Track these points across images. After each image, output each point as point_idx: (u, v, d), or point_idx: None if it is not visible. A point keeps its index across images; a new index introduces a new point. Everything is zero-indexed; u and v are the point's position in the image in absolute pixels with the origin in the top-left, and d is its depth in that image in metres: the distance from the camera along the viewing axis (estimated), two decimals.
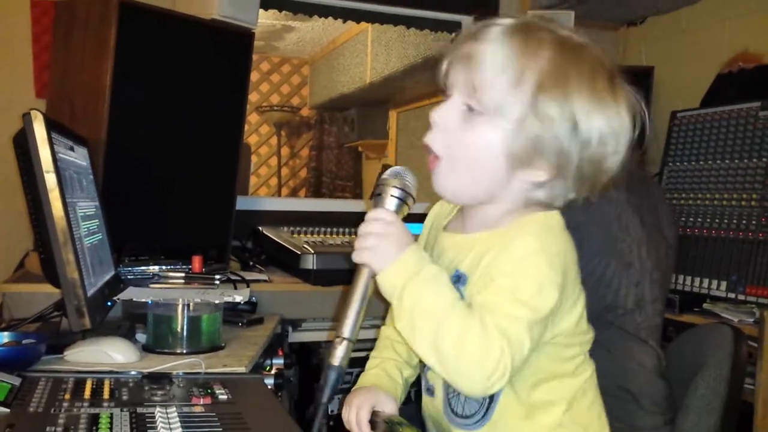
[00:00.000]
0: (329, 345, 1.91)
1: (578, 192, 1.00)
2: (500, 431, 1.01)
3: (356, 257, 0.97)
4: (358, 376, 1.20)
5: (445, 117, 0.99)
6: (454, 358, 0.90)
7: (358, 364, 1.18)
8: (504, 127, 0.94)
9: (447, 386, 1.05)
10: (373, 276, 0.97)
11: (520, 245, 0.94)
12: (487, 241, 0.99)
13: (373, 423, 1.07)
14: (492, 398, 1.00)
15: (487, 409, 1.01)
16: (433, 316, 0.92)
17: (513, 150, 0.94)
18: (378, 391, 1.11)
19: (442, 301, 0.93)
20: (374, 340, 1.26)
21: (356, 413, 1.08)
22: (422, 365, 1.11)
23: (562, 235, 0.99)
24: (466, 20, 2.85)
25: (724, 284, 2.04)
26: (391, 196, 0.99)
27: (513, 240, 0.95)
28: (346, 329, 0.95)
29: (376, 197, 1.00)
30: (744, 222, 2.05)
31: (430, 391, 1.09)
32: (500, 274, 0.94)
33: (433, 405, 1.09)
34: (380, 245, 0.95)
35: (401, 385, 1.16)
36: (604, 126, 0.94)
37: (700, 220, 2.18)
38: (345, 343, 0.95)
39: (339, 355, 0.94)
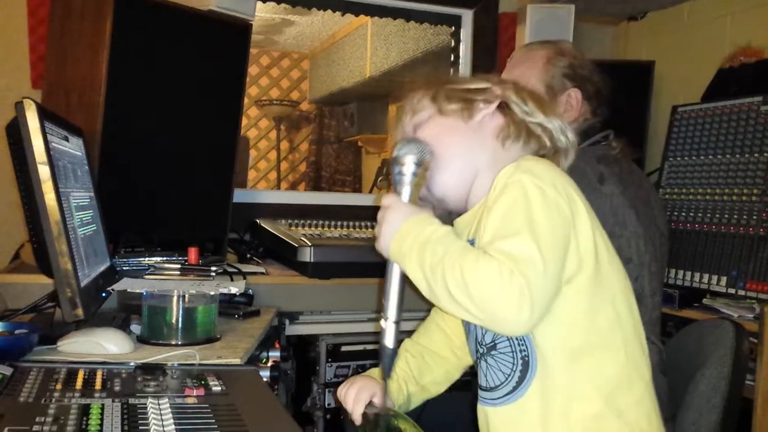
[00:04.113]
0: (320, 339, 1.90)
1: (540, 140, 1.08)
2: (531, 412, 0.98)
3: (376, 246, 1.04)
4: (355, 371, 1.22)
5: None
6: (469, 299, 0.89)
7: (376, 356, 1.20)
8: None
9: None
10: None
11: (499, 177, 0.98)
12: (485, 202, 1.01)
13: (365, 412, 1.12)
14: (523, 374, 0.98)
15: (518, 385, 0.99)
16: (437, 268, 0.92)
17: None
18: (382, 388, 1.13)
19: (439, 251, 0.93)
20: (376, 333, 1.26)
21: (356, 392, 1.13)
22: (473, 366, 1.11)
23: (544, 162, 1.02)
24: (466, 14, 2.83)
25: (724, 279, 2.02)
26: (398, 174, 1.04)
27: (497, 180, 0.99)
28: (391, 313, 1.02)
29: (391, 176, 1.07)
30: (745, 217, 2.03)
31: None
32: (490, 210, 0.96)
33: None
34: (381, 229, 1.02)
35: (404, 396, 1.18)
36: None
37: (700, 215, 2.17)
38: (392, 325, 1.02)
39: (390, 337, 1.02)
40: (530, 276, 0.87)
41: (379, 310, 1.25)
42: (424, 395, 1.22)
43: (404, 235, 0.98)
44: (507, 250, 0.89)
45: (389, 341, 1.02)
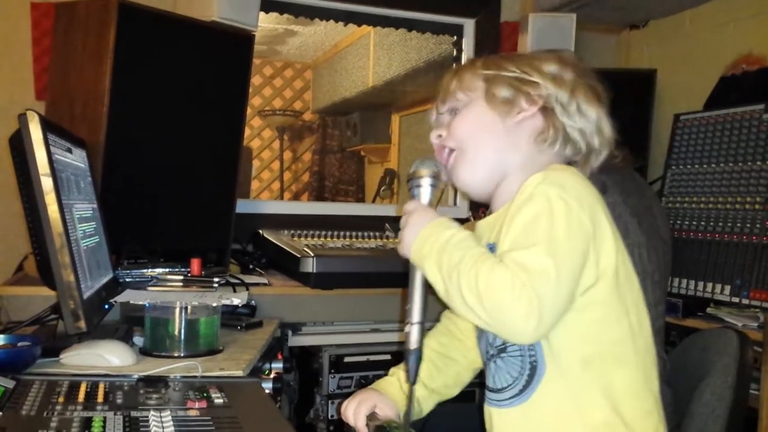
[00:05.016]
0: (323, 350, 1.90)
1: (576, 146, 1.07)
2: (538, 416, 0.98)
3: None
4: (358, 382, 1.22)
5: (440, 125, 1.14)
6: (481, 306, 0.90)
7: (379, 366, 1.21)
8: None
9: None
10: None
11: (526, 185, 0.97)
12: (509, 207, 1.00)
13: (367, 422, 1.12)
14: (531, 378, 0.98)
15: (525, 388, 0.99)
16: (453, 272, 0.93)
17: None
18: (385, 396, 1.16)
19: (458, 256, 0.94)
20: (379, 344, 1.27)
21: (356, 406, 1.14)
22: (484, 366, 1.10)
23: (572, 173, 1.00)
24: (468, 23, 2.84)
25: (728, 288, 2.02)
26: (416, 186, 1.08)
27: (524, 188, 0.97)
28: (415, 315, 1.03)
29: (410, 191, 1.09)
30: (748, 226, 2.03)
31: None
32: (513, 218, 0.95)
33: None
34: (404, 233, 1.03)
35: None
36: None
37: (703, 223, 2.16)
38: (416, 326, 1.03)
39: (414, 338, 1.03)
40: (541, 289, 0.88)
41: (382, 321, 1.26)
42: (434, 398, 1.22)
43: (425, 239, 0.99)
44: (522, 262, 0.89)
45: (413, 342, 1.02)
